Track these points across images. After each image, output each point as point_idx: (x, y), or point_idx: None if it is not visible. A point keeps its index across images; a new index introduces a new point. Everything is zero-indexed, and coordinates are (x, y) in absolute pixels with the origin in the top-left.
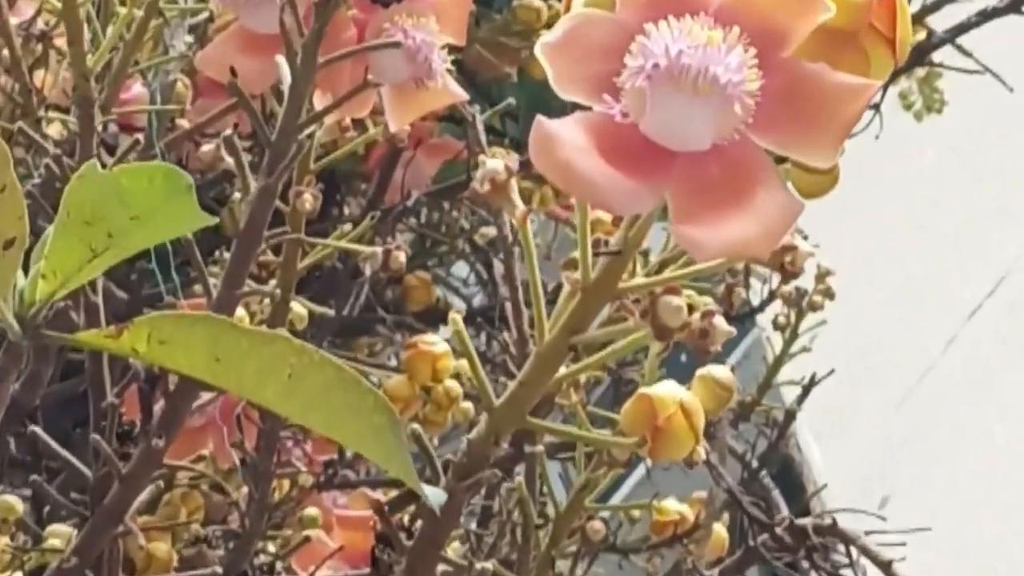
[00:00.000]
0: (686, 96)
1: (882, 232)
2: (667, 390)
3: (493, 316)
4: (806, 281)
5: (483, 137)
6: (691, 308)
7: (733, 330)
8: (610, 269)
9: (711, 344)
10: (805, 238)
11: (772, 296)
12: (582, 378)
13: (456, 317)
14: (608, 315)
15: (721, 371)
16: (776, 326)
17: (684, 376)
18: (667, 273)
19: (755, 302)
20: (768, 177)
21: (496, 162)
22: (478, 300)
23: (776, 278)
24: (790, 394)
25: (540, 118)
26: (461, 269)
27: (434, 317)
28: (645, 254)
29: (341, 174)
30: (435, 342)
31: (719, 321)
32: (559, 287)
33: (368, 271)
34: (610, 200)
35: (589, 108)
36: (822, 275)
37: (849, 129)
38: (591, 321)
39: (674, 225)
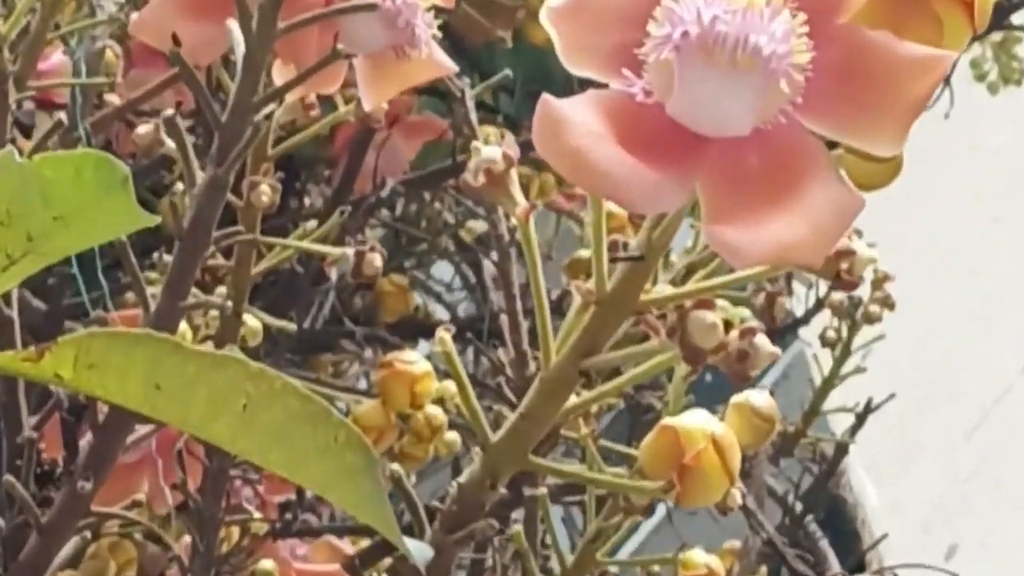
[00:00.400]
0: (722, 71)
1: (950, 228)
2: (696, 421)
3: (481, 328)
4: (860, 288)
5: (473, 115)
6: (727, 325)
7: (778, 351)
8: (630, 278)
9: (752, 368)
10: (861, 238)
11: (820, 305)
12: (593, 407)
13: (445, 336)
14: (625, 332)
15: (760, 397)
16: (824, 342)
17: (710, 399)
18: (697, 282)
19: (798, 312)
20: (820, 168)
21: (492, 150)
22: (464, 309)
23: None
24: (841, 423)
25: (546, 97)
26: (444, 271)
27: (412, 329)
28: (666, 255)
29: (302, 160)
30: (414, 360)
31: (761, 341)
32: (564, 295)
33: (335, 276)
34: (631, 195)
35: (604, 85)
36: (879, 281)
37: (919, 110)
38: (607, 340)
39: (707, 225)
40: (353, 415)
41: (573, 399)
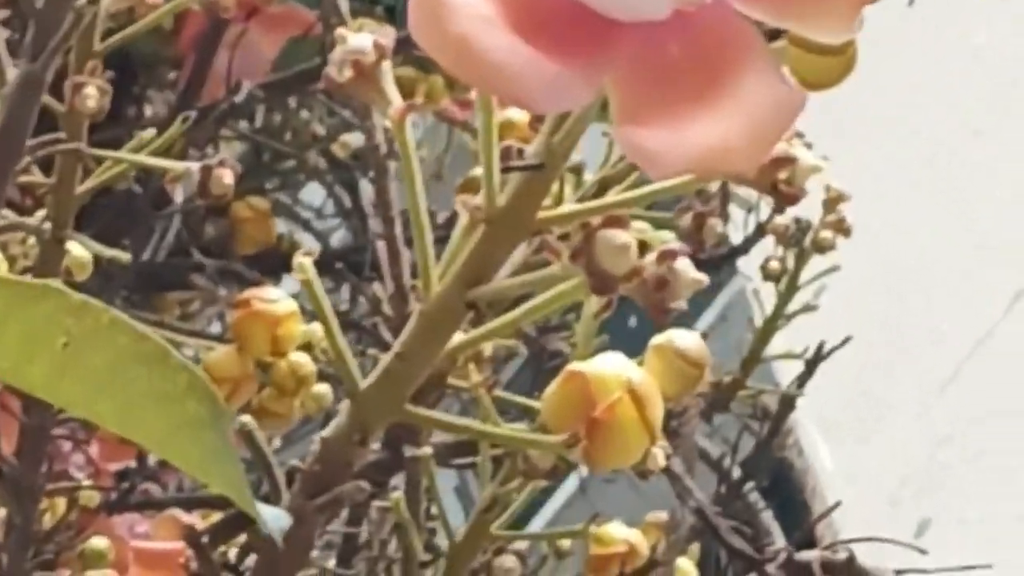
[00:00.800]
0: None
1: (920, 141)
2: (609, 367)
3: (360, 261)
4: (810, 210)
5: (344, 4)
6: (643, 247)
7: (704, 278)
8: (526, 192)
9: (671, 299)
10: (808, 147)
11: (761, 231)
12: (487, 349)
13: (305, 262)
14: (524, 259)
15: (687, 337)
16: (767, 274)
17: (634, 346)
18: (609, 197)
19: (737, 239)
20: (754, 58)
21: (361, 38)
22: (339, 238)
23: (767, 204)
24: (788, 373)
25: None
26: (314, 194)
27: (275, 263)
28: (578, 171)
29: (141, 59)
30: (276, 299)
31: (683, 265)
32: (454, 217)
33: (179, 197)
34: (526, 90)
35: None
36: (832, 201)
37: None
38: (499, 266)
39: (619, 127)
40: (203, 364)
41: (459, 336)
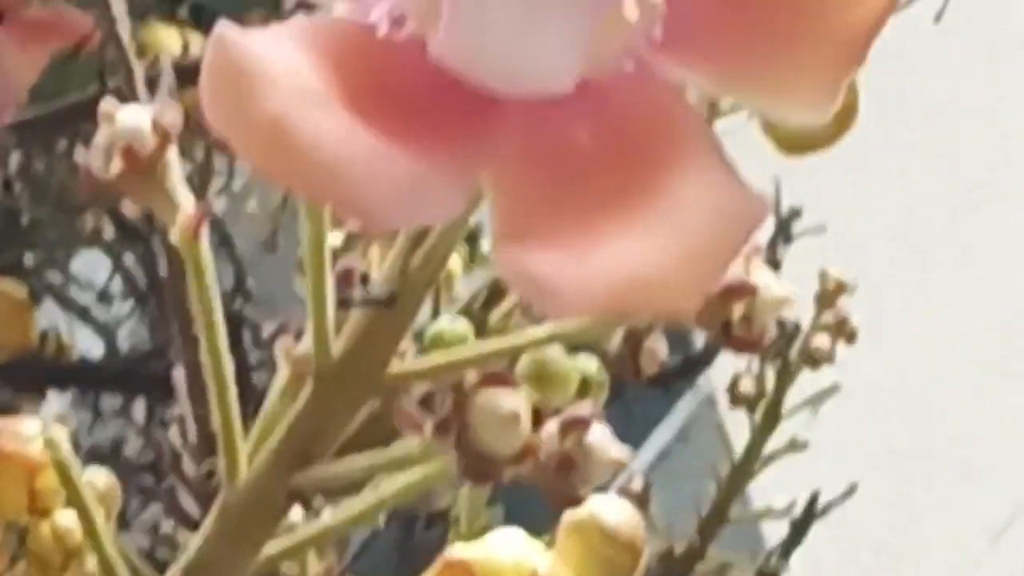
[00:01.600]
0: None
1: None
2: (505, 553)
3: (160, 372)
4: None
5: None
6: (537, 414)
7: (621, 457)
8: (372, 337)
9: (581, 483)
10: (775, 265)
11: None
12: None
13: (55, 437)
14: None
15: (616, 511)
16: (737, 398)
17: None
18: (490, 338)
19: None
20: (694, 148)
21: (135, 114)
22: (129, 332)
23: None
24: (770, 535)
25: (224, 29)
26: (95, 269)
27: (37, 375)
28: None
29: None
30: (31, 434)
31: (597, 438)
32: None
33: None
34: (368, 196)
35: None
36: (830, 293)
37: (864, 47)
38: (334, 439)
39: (499, 246)
40: None
41: (274, 543)
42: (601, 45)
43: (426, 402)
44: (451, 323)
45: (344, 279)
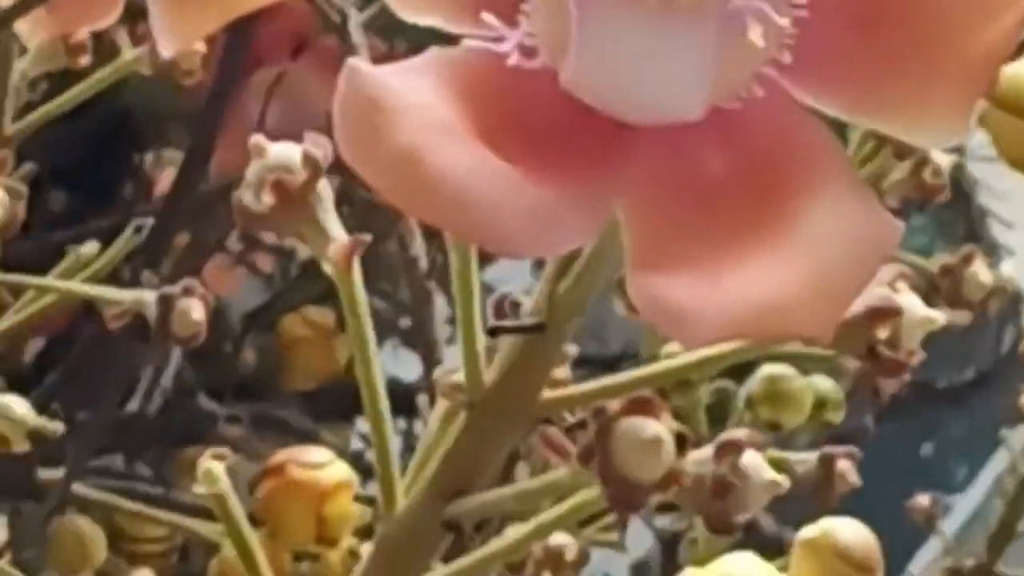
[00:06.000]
0: (650, 15)
1: None
2: (737, 574)
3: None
4: None
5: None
6: (682, 440)
7: (780, 481)
8: (524, 363)
9: (737, 510)
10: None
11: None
12: (570, 551)
13: (214, 468)
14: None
15: (851, 531)
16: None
17: (928, 482)
18: (635, 371)
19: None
20: (827, 174)
21: (285, 149)
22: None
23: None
24: None
25: (355, 65)
26: None
27: (343, 403)
28: None
29: (144, 115)
30: (323, 462)
31: (752, 462)
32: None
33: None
34: (501, 226)
35: (456, 38)
36: None
37: (994, 69)
38: (487, 470)
39: (632, 274)
40: (218, 559)
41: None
42: (729, 71)
43: (577, 429)
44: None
45: (496, 308)
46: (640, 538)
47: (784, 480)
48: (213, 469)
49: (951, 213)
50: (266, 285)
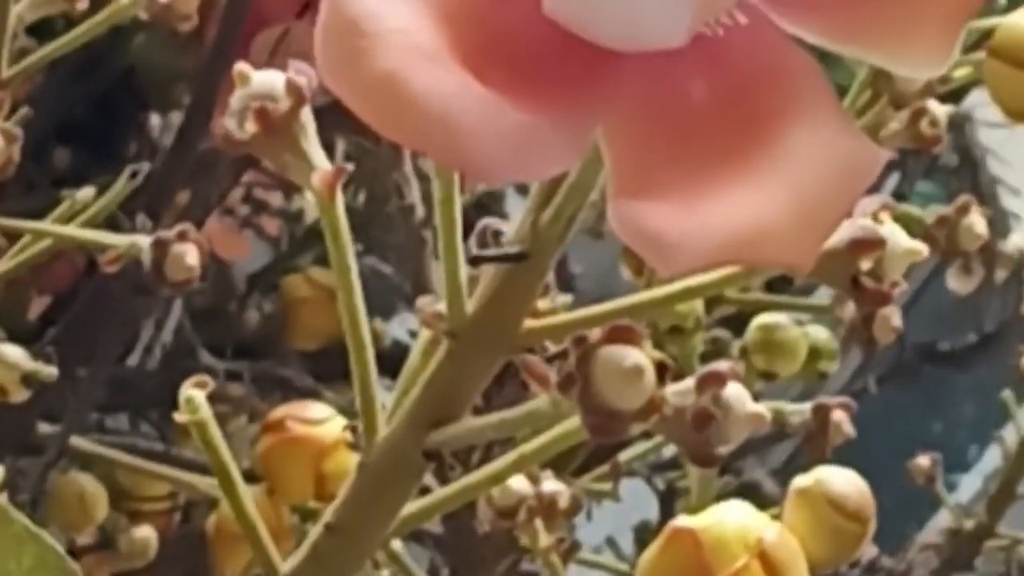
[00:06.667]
0: None
1: None
2: (730, 521)
3: None
4: None
5: None
6: (661, 368)
7: (763, 413)
8: (506, 293)
9: (718, 441)
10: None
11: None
12: (562, 498)
13: (195, 396)
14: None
15: (843, 480)
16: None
17: (971, 442)
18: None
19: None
20: (809, 102)
21: (269, 77)
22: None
23: None
24: None
25: None
26: None
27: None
28: None
29: (149, 75)
30: (323, 418)
31: (734, 394)
32: None
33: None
34: (482, 150)
35: None
36: None
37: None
38: (468, 399)
39: (614, 201)
40: (217, 514)
41: (411, 503)
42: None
43: (558, 358)
44: None
45: (478, 237)
46: (644, 500)
47: (766, 412)
48: (194, 397)
49: (959, 181)
50: (273, 249)
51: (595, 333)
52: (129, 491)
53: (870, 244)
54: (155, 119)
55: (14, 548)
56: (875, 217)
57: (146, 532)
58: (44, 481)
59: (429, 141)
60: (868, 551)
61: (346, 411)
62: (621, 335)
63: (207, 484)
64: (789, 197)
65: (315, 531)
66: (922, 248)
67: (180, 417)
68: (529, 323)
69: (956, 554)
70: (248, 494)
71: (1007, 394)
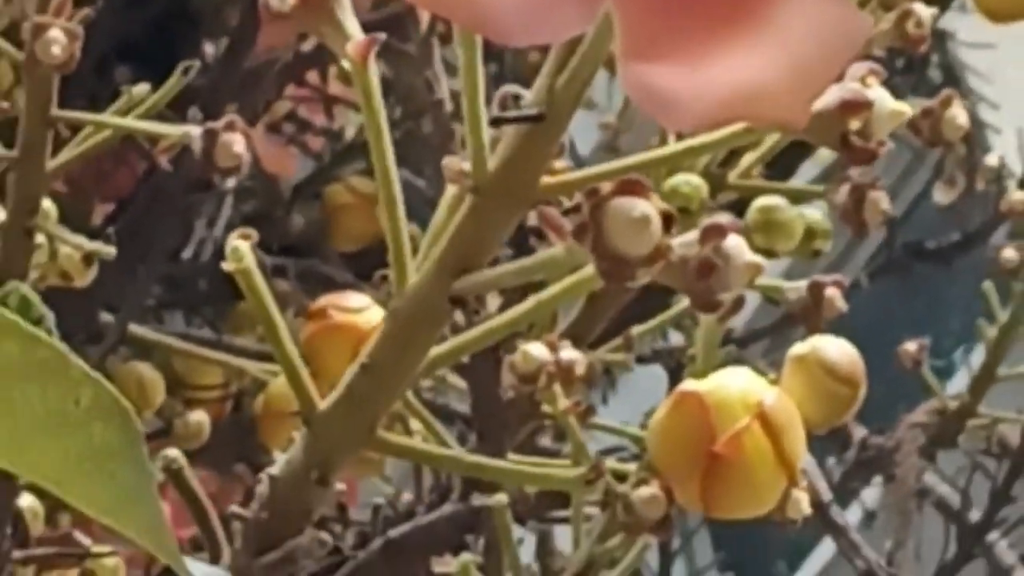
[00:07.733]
0: None
1: None
2: (734, 385)
3: None
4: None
5: None
6: (667, 219)
7: (760, 263)
8: (525, 151)
9: (719, 288)
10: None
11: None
12: (579, 367)
13: (241, 247)
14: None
15: (836, 348)
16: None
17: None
18: (626, 160)
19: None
20: None
21: None
22: None
23: None
24: None
25: None
26: None
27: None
28: None
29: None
30: (361, 307)
31: (734, 245)
32: None
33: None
34: (498, 14)
35: None
36: None
37: None
38: (491, 249)
39: (623, 63)
40: (267, 393)
41: (441, 344)
42: None
43: (571, 211)
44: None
45: (500, 101)
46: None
47: (763, 262)
48: (240, 247)
49: None
50: (316, 164)
51: (606, 186)
52: (184, 379)
53: (858, 105)
54: (209, 48)
55: (72, 389)
56: (863, 81)
57: (200, 416)
58: (104, 367)
59: (451, 6)
60: (858, 431)
61: (383, 304)
62: (630, 188)
63: (257, 368)
64: (784, 58)
65: (350, 371)
66: (907, 110)
67: (227, 265)
68: (546, 179)
69: (941, 432)
70: (288, 335)
71: (987, 285)
